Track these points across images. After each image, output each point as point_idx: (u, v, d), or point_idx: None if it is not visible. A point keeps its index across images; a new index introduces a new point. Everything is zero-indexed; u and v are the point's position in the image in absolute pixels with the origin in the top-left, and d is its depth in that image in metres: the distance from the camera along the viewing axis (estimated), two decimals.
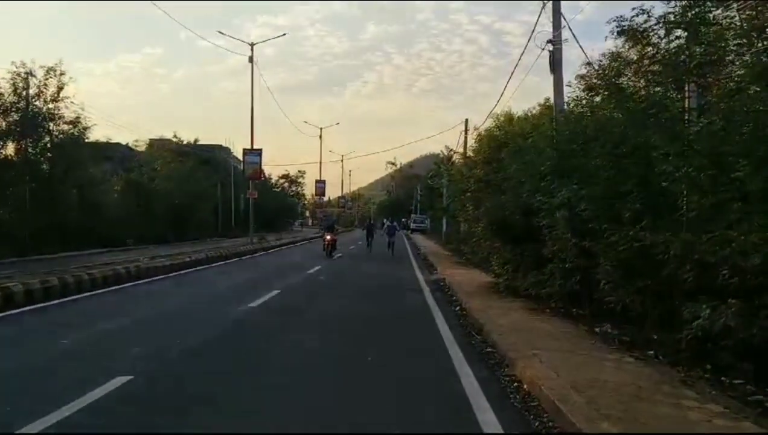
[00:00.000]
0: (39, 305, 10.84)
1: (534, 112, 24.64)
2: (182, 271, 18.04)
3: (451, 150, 35.77)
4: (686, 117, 8.03)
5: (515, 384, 6.32)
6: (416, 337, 9.17)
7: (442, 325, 9.92)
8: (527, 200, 11.59)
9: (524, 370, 6.40)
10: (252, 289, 13.77)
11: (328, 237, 26.28)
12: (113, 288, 13.60)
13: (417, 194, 73.40)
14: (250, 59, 30.76)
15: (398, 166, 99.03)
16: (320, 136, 62.43)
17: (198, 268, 19.59)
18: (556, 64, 12.60)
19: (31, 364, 6.85)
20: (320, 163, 70.01)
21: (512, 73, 32.65)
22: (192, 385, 6.20)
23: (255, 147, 33.00)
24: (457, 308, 11.80)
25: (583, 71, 14.30)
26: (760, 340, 5.58)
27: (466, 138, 32.15)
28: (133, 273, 15.19)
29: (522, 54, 17.97)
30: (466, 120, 33.14)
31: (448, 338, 8.82)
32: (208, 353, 7.68)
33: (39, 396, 5.55)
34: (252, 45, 31.42)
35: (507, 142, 18.40)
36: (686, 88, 8.18)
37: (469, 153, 30.14)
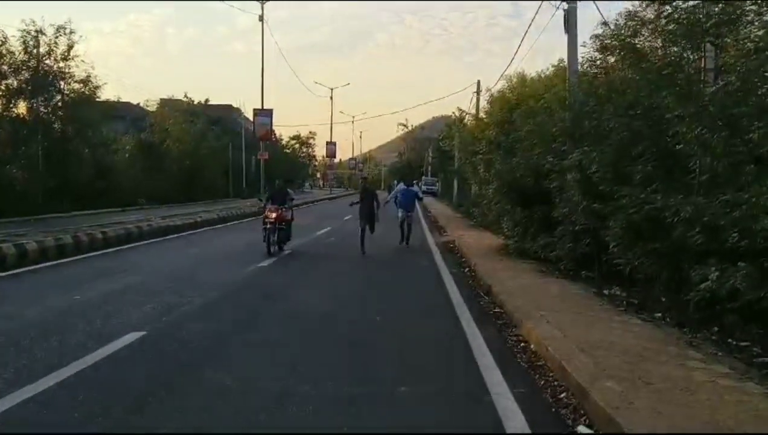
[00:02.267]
0: (53, 262, 11.02)
1: (547, 73, 24.27)
2: (193, 231, 18.21)
3: (463, 112, 35.10)
4: (702, 78, 7.90)
5: (522, 344, 6.40)
6: (425, 298, 9.26)
7: (451, 286, 9.99)
8: (538, 162, 11.52)
9: (531, 331, 6.47)
10: (262, 249, 13.87)
11: (273, 215, 13.47)
12: (126, 247, 13.78)
13: (428, 157, 72.97)
14: (260, 18, 30.40)
15: (410, 128, 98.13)
16: (331, 97, 62.12)
17: (209, 227, 19.76)
18: (570, 23, 12.37)
19: (46, 319, 6.98)
20: (331, 124, 70.08)
21: (525, 33, 32.26)
22: (203, 339, 6.32)
23: (265, 107, 32.82)
24: (467, 270, 11.86)
25: (599, 31, 13.99)
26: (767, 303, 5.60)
27: (478, 100, 31.73)
28: (146, 232, 15.35)
29: (536, 13, 17.58)
30: (479, 81, 32.68)
31: (457, 299, 8.90)
32: (218, 310, 7.81)
33: (54, 350, 5.69)
34: (262, 2, 30.99)
35: (519, 103, 18.20)
36: (703, 49, 8.02)
37: (482, 115, 29.80)
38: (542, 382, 5.19)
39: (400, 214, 15.96)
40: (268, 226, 13.19)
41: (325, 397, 4.66)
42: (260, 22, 30.06)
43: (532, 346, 6.22)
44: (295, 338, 6.54)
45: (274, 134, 45.59)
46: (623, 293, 8.52)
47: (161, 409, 4.38)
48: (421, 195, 15.64)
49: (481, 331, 6.89)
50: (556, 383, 5.10)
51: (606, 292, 8.73)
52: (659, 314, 7.20)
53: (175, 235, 16.78)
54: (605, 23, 11.64)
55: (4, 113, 26.64)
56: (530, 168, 12.19)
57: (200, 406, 4.47)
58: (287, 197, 14.26)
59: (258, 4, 31.10)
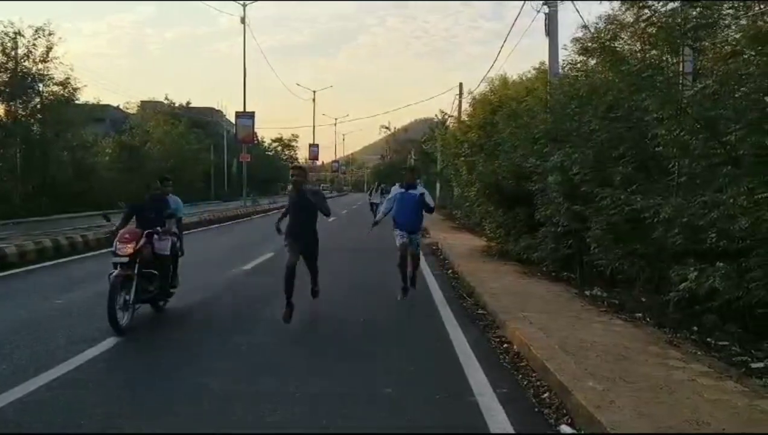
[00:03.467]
0: (33, 266, 10.88)
1: (529, 75, 24.45)
2: None
3: (445, 114, 35.24)
4: (681, 81, 8.00)
5: (505, 345, 6.43)
6: (407, 301, 9.21)
7: (434, 288, 10.01)
8: (520, 164, 11.59)
9: (514, 332, 6.50)
10: (246, 251, 13.79)
11: (128, 248, 6.74)
12: (106, 250, 13.59)
13: (411, 159, 73.06)
14: (242, 20, 30.32)
15: (392, 131, 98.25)
16: (314, 99, 62.21)
17: (191, 230, 19.57)
18: (551, 26, 12.50)
19: (28, 323, 6.90)
20: (314, 126, 69.94)
21: (507, 36, 32.30)
22: (177, 346, 6.27)
23: (247, 110, 32.73)
24: (450, 272, 11.90)
25: (579, 34, 14.15)
26: (745, 302, 5.69)
27: (460, 102, 31.91)
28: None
29: (517, 16, 17.67)
30: (461, 84, 32.85)
31: (440, 301, 8.91)
32: (201, 313, 7.75)
33: (34, 355, 5.61)
34: (244, 5, 30.91)
35: (501, 106, 18.29)
36: (681, 52, 8.13)
37: (464, 117, 29.92)
38: (525, 383, 5.22)
39: (398, 240, 8.90)
40: (117, 270, 6.65)
41: (314, 396, 4.67)
42: (242, 24, 29.94)
43: (515, 347, 6.25)
44: (282, 341, 6.50)
45: (256, 136, 45.39)
46: (604, 294, 8.60)
47: None
48: (429, 200, 8.86)
49: (464, 333, 6.91)
50: (538, 383, 5.14)
51: (587, 292, 8.80)
52: (640, 314, 7.28)
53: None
54: (585, 26, 11.78)
55: None
56: (512, 170, 12.26)
57: None
58: (165, 211, 7.53)
59: (240, 5, 31.01)
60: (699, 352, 5.67)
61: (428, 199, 8.89)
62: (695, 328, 6.50)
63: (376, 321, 7.53)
